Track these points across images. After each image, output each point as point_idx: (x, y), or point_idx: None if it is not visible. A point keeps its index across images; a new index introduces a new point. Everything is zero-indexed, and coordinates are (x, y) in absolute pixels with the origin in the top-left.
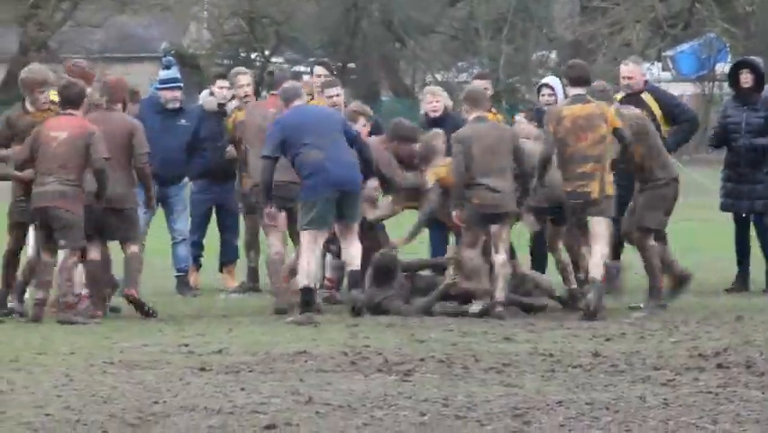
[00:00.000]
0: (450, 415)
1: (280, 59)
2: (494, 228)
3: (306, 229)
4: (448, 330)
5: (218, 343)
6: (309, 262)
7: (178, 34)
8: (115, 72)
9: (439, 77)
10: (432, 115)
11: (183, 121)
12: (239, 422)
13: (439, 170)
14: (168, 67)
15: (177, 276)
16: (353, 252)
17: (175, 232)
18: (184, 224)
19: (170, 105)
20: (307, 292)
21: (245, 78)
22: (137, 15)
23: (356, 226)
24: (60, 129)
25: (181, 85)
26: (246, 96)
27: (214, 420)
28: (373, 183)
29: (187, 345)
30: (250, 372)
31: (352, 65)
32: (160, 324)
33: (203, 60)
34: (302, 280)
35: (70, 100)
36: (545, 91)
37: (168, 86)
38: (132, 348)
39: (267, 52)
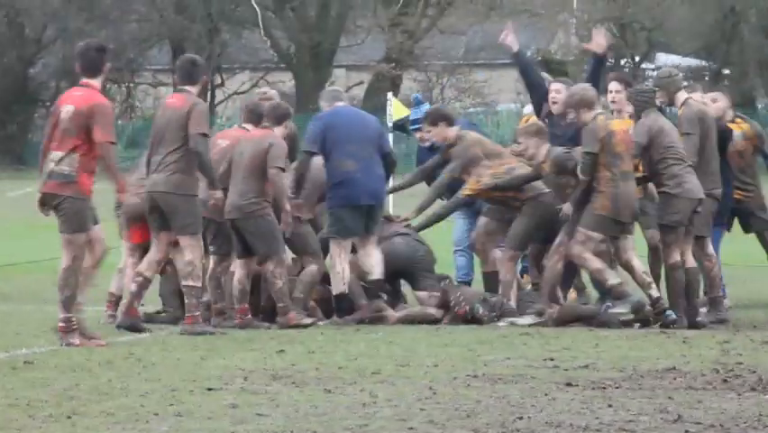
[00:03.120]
0: None
1: (651, 66)
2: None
3: (333, 238)
4: None
5: (585, 357)
6: (344, 268)
7: (545, 40)
8: (479, 78)
9: None
10: None
11: None
12: None
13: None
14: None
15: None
16: (373, 261)
17: (455, 242)
18: (459, 233)
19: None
20: (342, 299)
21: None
22: (503, 21)
23: (375, 238)
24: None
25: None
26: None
27: None
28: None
29: (552, 360)
30: (617, 388)
31: (726, 71)
32: (524, 337)
33: (570, 67)
34: (338, 286)
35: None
36: None
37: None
38: (496, 361)
39: (637, 58)
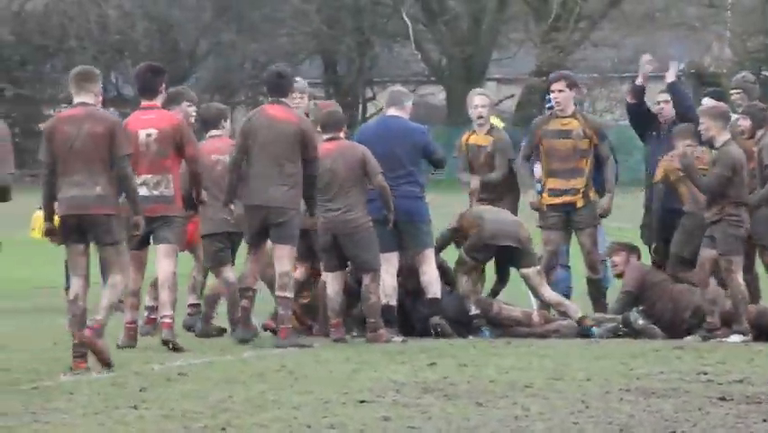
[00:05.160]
0: None
1: None
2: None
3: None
4: None
5: (739, 372)
6: (383, 280)
7: (699, 52)
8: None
9: None
10: None
11: None
12: None
13: None
14: None
15: None
16: (426, 279)
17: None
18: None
19: None
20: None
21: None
22: (657, 34)
23: (426, 254)
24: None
25: None
26: None
27: None
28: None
29: (706, 374)
30: None
31: None
32: (677, 351)
33: (724, 79)
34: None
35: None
36: None
37: None
38: (650, 375)
39: None
